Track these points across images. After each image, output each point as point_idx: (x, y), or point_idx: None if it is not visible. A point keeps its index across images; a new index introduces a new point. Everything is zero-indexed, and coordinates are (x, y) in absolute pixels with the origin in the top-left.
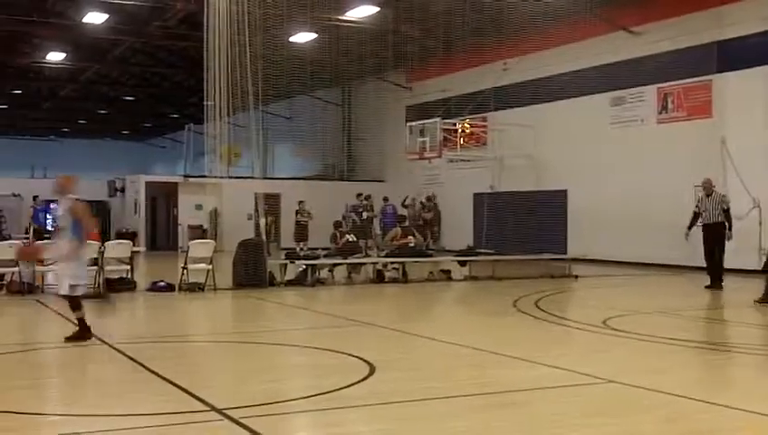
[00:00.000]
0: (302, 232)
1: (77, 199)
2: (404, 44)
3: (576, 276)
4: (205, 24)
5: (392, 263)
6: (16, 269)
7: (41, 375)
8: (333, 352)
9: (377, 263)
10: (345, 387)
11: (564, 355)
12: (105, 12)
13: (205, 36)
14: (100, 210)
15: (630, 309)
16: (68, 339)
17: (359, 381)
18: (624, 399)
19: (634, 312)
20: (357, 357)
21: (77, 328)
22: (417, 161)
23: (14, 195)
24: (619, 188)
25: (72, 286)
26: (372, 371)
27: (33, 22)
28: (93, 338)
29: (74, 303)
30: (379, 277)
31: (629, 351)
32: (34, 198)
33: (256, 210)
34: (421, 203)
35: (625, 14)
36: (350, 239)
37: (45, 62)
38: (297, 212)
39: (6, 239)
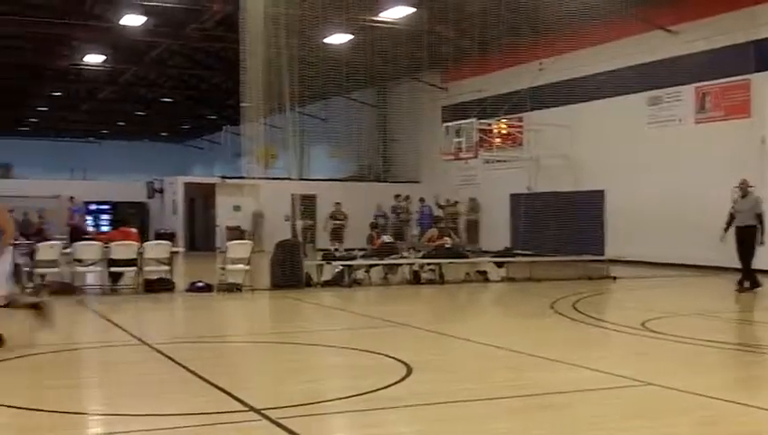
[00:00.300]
0: (337, 233)
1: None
2: (439, 45)
3: (614, 278)
4: (241, 25)
5: (429, 264)
6: (57, 270)
7: (81, 375)
8: (370, 353)
9: (413, 264)
10: (383, 388)
11: (603, 357)
12: (143, 14)
13: (241, 38)
14: (138, 211)
15: (669, 311)
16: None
17: (396, 383)
18: (662, 401)
19: (672, 314)
20: (394, 358)
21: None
22: (452, 162)
23: (55, 197)
24: (656, 189)
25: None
26: (409, 372)
27: (71, 24)
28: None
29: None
30: (416, 278)
31: (668, 353)
32: (71, 199)
33: (295, 212)
34: (452, 204)
35: (661, 13)
36: (387, 240)
37: (84, 65)
38: (331, 214)
39: (47, 240)
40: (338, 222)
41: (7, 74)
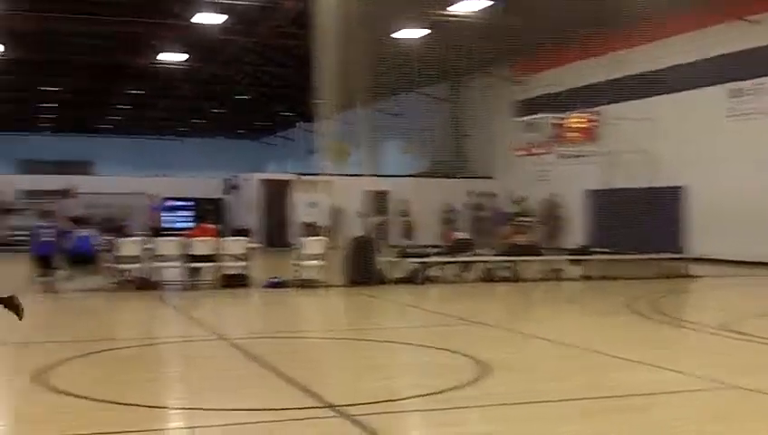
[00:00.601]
0: (408, 229)
1: None
2: (513, 38)
3: (694, 277)
4: (314, 22)
5: (503, 261)
6: (138, 266)
7: (161, 369)
8: (445, 351)
9: (487, 261)
10: (458, 387)
11: (683, 359)
12: (219, 12)
13: (314, 35)
14: (215, 208)
15: (752, 311)
16: None
17: (471, 382)
18: (745, 405)
19: (757, 314)
20: (469, 357)
21: None
22: (526, 157)
23: (137, 193)
24: (737, 184)
25: None
26: (484, 371)
27: (151, 24)
28: None
29: None
30: (490, 276)
31: (752, 355)
32: (150, 196)
33: (368, 208)
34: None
35: (740, 2)
36: (461, 237)
37: (164, 63)
38: (402, 210)
39: (129, 236)
40: (405, 219)
41: (90, 74)
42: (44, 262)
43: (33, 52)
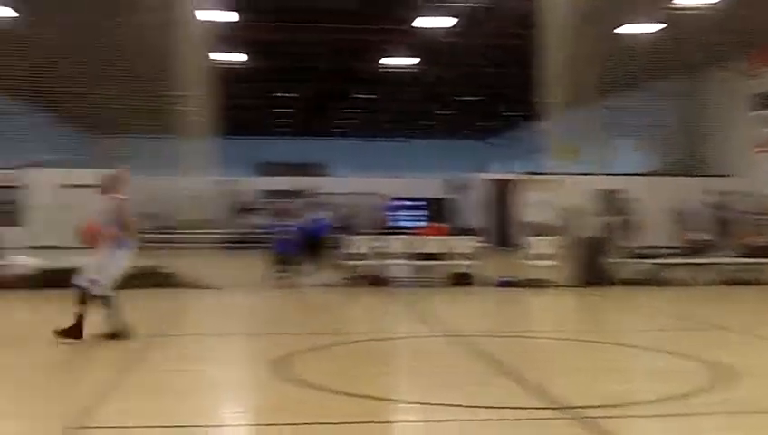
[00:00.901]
0: (638, 229)
1: (122, 199)
2: (748, 30)
3: None
4: (540, 20)
5: (743, 263)
6: (369, 263)
7: (392, 364)
8: (681, 355)
9: (725, 263)
10: (695, 392)
11: None
12: (445, 15)
13: (541, 33)
14: (442, 207)
15: None
16: (58, 333)
17: (709, 388)
18: None
19: None
20: (707, 361)
21: (72, 324)
22: (766, 154)
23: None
24: None
25: (91, 280)
26: (724, 377)
27: (380, 30)
28: (83, 340)
29: (81, 297)
30: (730, 279)
31: None
32: (383, 195)
33: (598, 207)
34: None
35: None
36: (697, 237)
37: (392, 68)
38: (633, 210)
39: (360, 234)
40: (635, 218)
41: (324, 80)
42: (282, 259)
43: (272, 60)
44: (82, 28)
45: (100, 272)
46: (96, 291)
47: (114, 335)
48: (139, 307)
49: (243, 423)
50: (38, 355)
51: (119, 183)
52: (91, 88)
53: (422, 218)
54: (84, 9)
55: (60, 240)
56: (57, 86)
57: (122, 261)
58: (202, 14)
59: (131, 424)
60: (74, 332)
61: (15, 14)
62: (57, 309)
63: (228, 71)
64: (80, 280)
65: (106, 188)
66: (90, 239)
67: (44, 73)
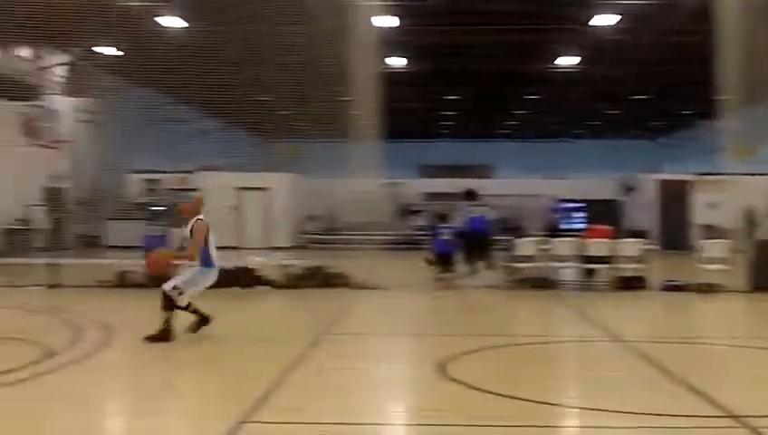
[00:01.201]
0: None
1: (199, 220)
2: None
3: None
4: (716, 16)
5: None
6: (534, 265)
7: (557, 367)
8: None
9: None
10: None
11: None
12: (614, 13)
13: (716, 29)
14: (611, 209)
15: None
16: (148, 338)
17: None
18: None
19: None
20: None
21: (161, 329)
22: None
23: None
24: None
25: (176, 288)
26: None
27: (547, 29)
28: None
29: (167, 303)
30: None
31: None
32: (550, 197)
33: None
34: None
35: None
36: None
37: (558, 67)
38: None
39: (525, 236)
40: None
41: (489, 81)
42: (445, 260)
43: (434, 63)
44: (257, 36)
45: (186, 283)
46: (174, 295)
47: (156, 337)
48: (307, 307)
49: (406, 423)
50: (204, 352)
51: (200, 206)
52: (265, 94)
53: (584, 220)
54: (258, 18)
55: (235, 241)
56: (231, 93)
57: (207, 278)
58: (375, 20)
59: (299, 420)
60: (164, 335)
61: (189, 24)
62: (231, 307)
63: (392, 74)
64: (166, 286)
65: (189, 211)
66: (161, 269)
67: (219, 81)
